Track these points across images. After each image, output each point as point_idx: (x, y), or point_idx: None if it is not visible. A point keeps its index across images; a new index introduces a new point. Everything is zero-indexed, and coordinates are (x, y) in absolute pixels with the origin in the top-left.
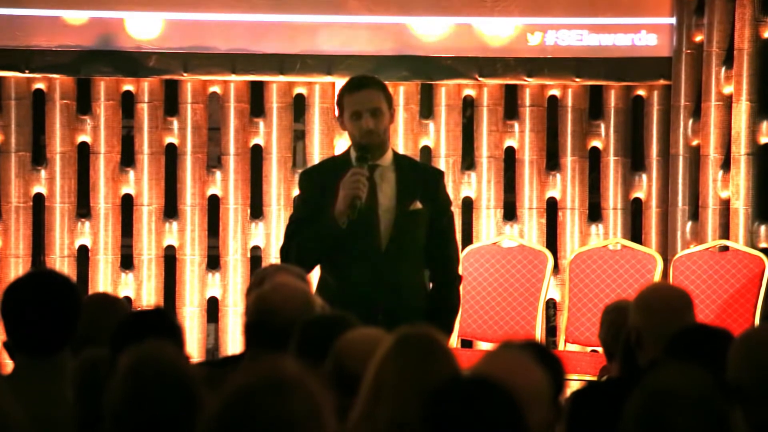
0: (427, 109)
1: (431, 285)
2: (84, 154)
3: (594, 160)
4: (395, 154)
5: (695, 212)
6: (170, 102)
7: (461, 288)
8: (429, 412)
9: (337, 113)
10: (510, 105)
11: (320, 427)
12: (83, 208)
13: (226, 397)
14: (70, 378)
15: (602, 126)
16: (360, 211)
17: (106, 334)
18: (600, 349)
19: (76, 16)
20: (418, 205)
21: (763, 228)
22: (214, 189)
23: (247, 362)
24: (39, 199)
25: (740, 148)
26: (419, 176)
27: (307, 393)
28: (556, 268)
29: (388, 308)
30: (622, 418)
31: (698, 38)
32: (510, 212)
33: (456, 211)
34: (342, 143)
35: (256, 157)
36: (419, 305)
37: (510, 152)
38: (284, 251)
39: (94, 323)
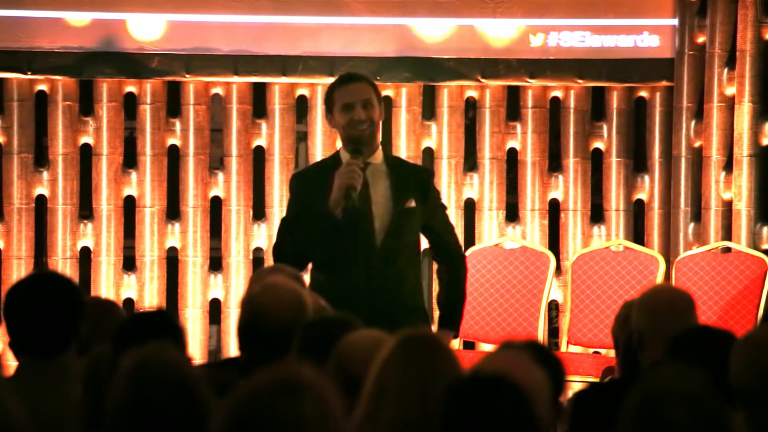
0: (429, 110)
1: (440, 279)
2: (86, 155)
3: (596, 161)
4: (385, 154)
5: (698, 214)
6: (172, 103)
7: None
8: (449, 407)
9: (325, 110)
10: (512, 106)
11: (331, 430)
12: (85, 210)
13: (238, 398)
14: (78, 375)
15: (604, 127)
16: (354, 205)
17: (102, 340)
18: (603, 351)
19: (78, 18)
20: (413, 203)
21: (765, 229)
22: (217, 190)
23: (247, 365)
24: (41, 200)
25: (743, 150)
26: (411, 175)
27: (319, 396)
28: (559, 270)
29: (384, 307)
30: (619, 419)
31: (700, 39)
32: (512, 214)
33: (458, 212)
34: None
35: (259, 158)
36: (415, 304)
37: (512, 154)
38: (277, 248)
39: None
